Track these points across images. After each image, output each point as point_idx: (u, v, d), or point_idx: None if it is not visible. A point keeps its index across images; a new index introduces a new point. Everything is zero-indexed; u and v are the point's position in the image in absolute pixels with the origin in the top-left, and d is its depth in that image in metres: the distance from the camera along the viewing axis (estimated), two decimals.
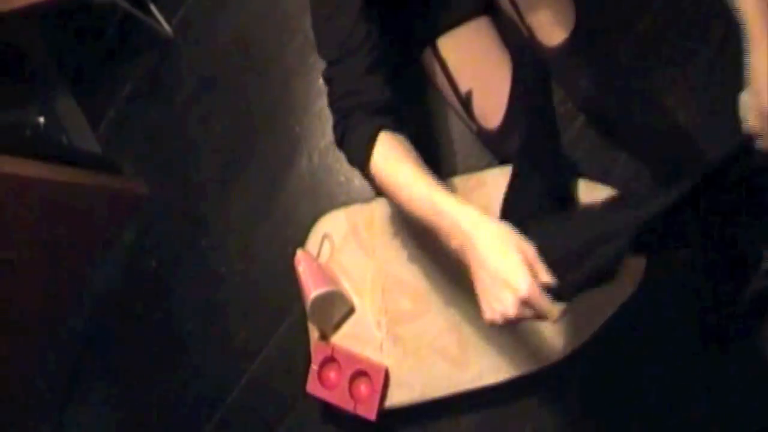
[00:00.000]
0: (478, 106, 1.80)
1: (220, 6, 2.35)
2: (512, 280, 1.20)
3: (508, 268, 1.21)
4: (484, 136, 1.84)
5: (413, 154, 1.44)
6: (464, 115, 1.86)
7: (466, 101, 1.82)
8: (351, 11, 1.48)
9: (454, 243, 1.30)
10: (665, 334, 1.81)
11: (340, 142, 1.54)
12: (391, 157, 1.42)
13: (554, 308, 1.22)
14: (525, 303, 1.20)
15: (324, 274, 1.92)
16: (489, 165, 1.96)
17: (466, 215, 1.28)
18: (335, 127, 1.54)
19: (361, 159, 1.45)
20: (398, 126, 1.48)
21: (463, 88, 1.82)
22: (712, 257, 1.75)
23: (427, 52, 1.89)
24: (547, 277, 1.22)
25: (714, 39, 1.83)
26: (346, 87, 1.50)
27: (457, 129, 2.01)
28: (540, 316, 1.22)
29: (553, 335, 1.73)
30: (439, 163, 2.00)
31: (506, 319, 1.22)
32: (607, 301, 1.69)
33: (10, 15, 1.99)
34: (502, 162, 1.88)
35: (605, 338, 1.69)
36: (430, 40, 1.87)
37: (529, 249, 1.24)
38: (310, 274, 1.90)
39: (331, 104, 1.54)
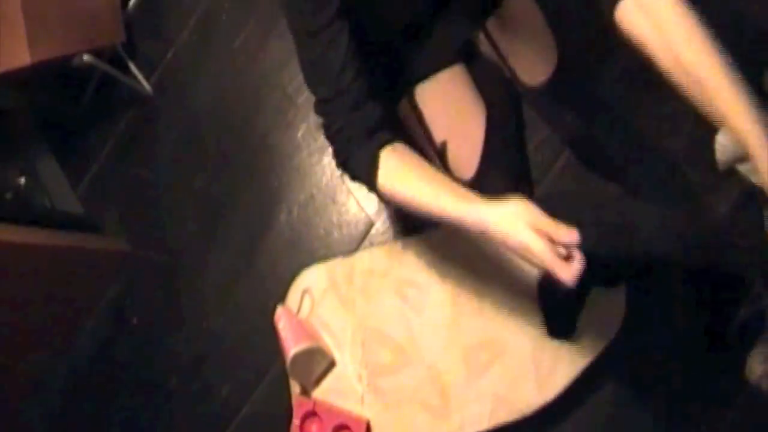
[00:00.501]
0: (453, 157, 1.81)
1: (199, 63, 2.38)
2: (534, 250, 1.24)
3: (525, 243, 1.26)
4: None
5: (414, 161, 1.45)
6: (440, 165, 1.88)
7: (441, 152, 1.83)
8: (339, 52, 1.48)
9: (475, 234, 1.35)
10: (653, 374, 1.82)
11: (344, 167, 1.53)
12: (394, 176, 1.44)
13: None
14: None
15: (304, 329, 1.93)
16: None
17: (475, 212, 1.33)
18: (336, 155, 1.54)
19: (369, 184, 1.47)
20: (393, 135, 1.48)
21: (438, 138, 1.82)
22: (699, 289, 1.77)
23: (404, 102, 1.91)
24: (565, 233, 1.25)
25: None
26: (341, 122, 1.50)
27: None
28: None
29: (533, 384, 1.73)
30: None
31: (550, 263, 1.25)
32: (589, 345, 1.70)
33: None
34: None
35: (589, 382, 1.71)
36: (407, 89, 1.88)
37: (539, 218, 1.27)
38: (290, 331, 1.90)
39: (328, 137, 1.54)
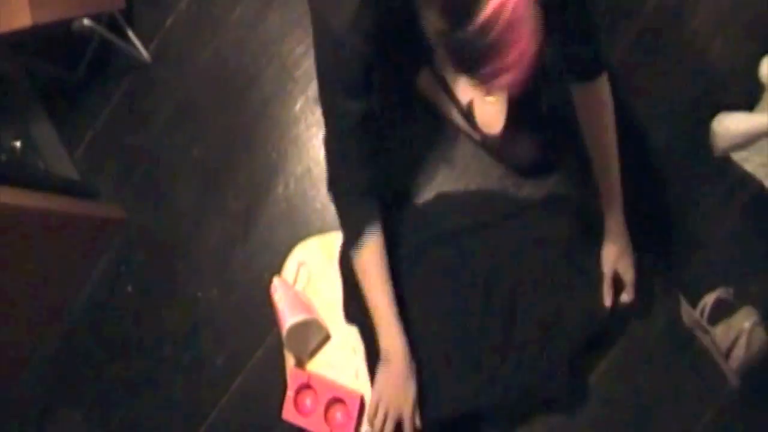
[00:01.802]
0: (480, 115, 1.87)
1: (198, 32, 2.37)
2: (372, 413, 1.70)
3: (384, 411, 1.70)
4: (488, 144, 1.92)
5: (386, 260, 1.73)
6: (467, 126, 1.93)
7: (468, 112, 1.87)
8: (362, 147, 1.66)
9: (383, 347, 1.73)
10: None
11: (338, 208, 1.78)
12: (372, 261, 1.72)
13: None
14: None
15: (300, 301, 1.94)
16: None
17: (397, 351, 1.71)
18: (333, 192, 1.77)
19: (352, 242, 1.73)
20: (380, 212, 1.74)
21: (464, 99, 1.91)
22: None
23: (423, 74, 1.94)
24: None
25: None
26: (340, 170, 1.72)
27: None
28: None
29: None
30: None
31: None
32: None
33: None
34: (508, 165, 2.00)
35: None
36: (429, 58, 1.91)
37: (406, 410, 1.70)
38: (286, 302, 1.92)
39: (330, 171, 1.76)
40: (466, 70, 1.19)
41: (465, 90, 1.90)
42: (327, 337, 1.95)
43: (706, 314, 1.76)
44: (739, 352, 1.71)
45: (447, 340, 1.84)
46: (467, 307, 1.86)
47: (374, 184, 1.71)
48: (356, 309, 1.89)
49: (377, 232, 1.71)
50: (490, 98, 1.86)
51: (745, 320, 1.72)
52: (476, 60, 1.14)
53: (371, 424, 1.71)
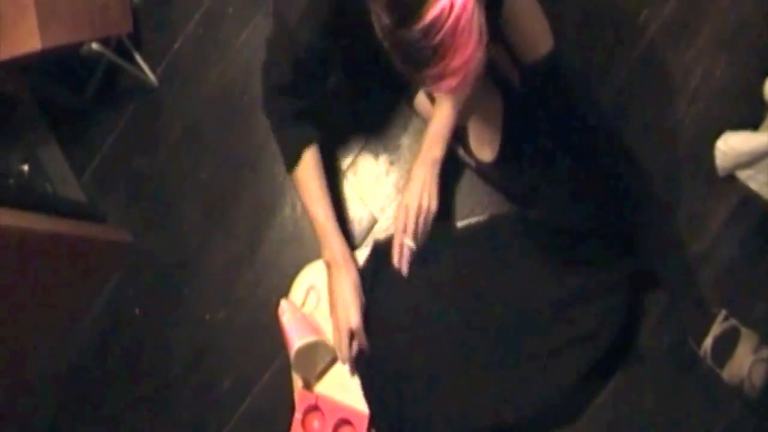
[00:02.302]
0: (474, 141, 1.86)
1: (205, 56, 2.38)
2: (335, 317, 1.86)
3: (334, 304, 1.86)
4: (482, 170, 1.91)
5: (323, 172, 1.88)
6: (461, 151, 1.91)
7: (461, 137, 1.87)
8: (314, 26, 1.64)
9: (325, 259, 1.90)
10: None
11: (272, 131, 1.92)
12: (309, 175, 1.87)
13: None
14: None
15: (307, 323, 1.94)
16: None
17: (338, 252, 1.87)
18: (267, 112, 1.89)
19: (289, 162, 1.89)
20: (315, 130, 1.88)
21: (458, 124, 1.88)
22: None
23: (421, 93, 1.94)
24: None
25: None
26: (280, 84, 1.80)
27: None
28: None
29: None
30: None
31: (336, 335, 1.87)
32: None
33: None
34: (502, 192, 2.00)
35: None
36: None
37: (352, 323, 1.83)
38: (294, 324, 1.92)
39: (265, 95, 1.87)
40: (410, 70, 1.21)
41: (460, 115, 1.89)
42: (334, 359, 1.95)
43: (709, 357, 1.75)
44: (750, 387, 1.70)
45: (446, 364, 1.85)
46: (466, 329, 1.86)
47: (310, 110, 1.84)
48: None
49: (313, 146, 1.86)
50: (485, 124, 1.85)
51: (747, 352, 1.70)
52: (419, 61, 1.17)
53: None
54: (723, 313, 1.75)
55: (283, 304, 1.98)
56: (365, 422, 1.86)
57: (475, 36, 1.14)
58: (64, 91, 2.41)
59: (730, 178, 1.83)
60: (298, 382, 1.98)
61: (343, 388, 1.93)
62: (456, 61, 1.15)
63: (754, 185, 1.79)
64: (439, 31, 1.11)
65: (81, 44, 2.14)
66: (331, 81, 1.96)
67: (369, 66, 1.86)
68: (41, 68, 2.31)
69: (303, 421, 1.92)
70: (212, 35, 2.39)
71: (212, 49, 2.38)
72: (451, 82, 1.19)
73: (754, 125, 1.81)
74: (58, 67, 2.34)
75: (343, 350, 1.85)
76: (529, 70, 1.66)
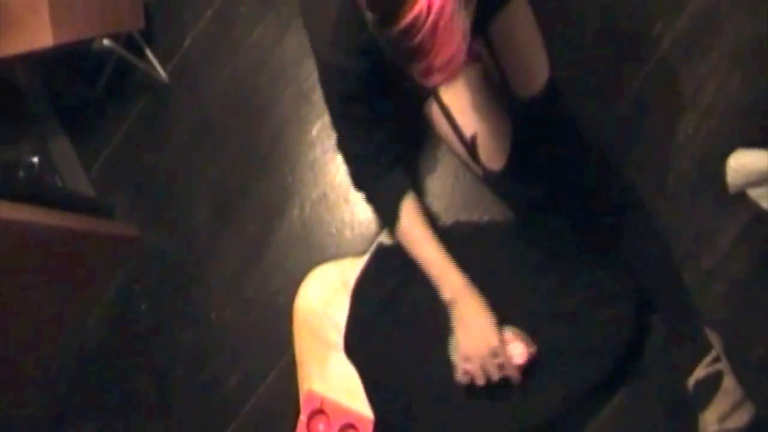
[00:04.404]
0: (483, 148, 1.86)
1: (216, 53, 2.38)
2: (467, 363, 1.74)
3: (466, 346, 1.73)
4: (490, 179, 1.90)
5: (425, 217, 1.82)
6: (469, 160, 1.92)
7: (471, 145, 1.87)
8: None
9: (447, 297, 1.77)
10: None
11: (366, 200, 1.87)
12: (411, 224, 1.80)
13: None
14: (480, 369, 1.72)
15: None
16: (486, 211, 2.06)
17: (460, 283, 1.76)
18: (357, 186, 1.86)
19: (390, 220, 1.82)
20: (406, 178, 1.84)
21: (468, 132, 1.88)
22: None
23: (430, 102, 1.95)
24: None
25: None
26: (357, 148, 1.79)
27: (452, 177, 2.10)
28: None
29: None
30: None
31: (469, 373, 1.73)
32: None
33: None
34: (507, 202, 2.00)
35: None
36: (432, 90, 1.93)
37: (494, 342, 1.71)
38: None
39: (351, 171, 1.85)
40: (400, 65, 1.25)
41: (469, 122, 1.88)
42: None
43: (691, 396, 1.74)
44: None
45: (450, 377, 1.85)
46: None
47: (388, 147, 1.78)
48: (358, 341, 1.94)
49: (409, 196, 1.80)
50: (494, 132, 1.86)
51: (714, 419, 1.69)
52: (405, 57, 1.21)
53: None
54: (713, 354, 1.73)
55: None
56: (370, 428, 1.88)
57: (456, 37, 1.18)
58: (75, 85, 2.42)
59: (741, 196, 1.84)
60: (304, 385, 1.98)
61: (348, 393, 1.94)
62: (438, 60, 1.19)
63: (765, 204, 1.80)
64: (417, 33, 1.14)
65: (92, 40, 2.14)
66: None
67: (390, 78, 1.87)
68: (53, 62, 2.31)
69: (308, 424, 1.94)
70: (224, 33, 2.39)
71: (223, 48, 2.38)
72: (437, 78, 1.24)
73: (766, 143, 1.81)
74: (69, 61, 2.35)
75: (494, 374, 1.74)
76: (524, 107, 1.68)
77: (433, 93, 1.92)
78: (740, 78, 1.92)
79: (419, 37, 1.15)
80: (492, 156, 1.84)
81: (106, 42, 2.17)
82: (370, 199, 1.85)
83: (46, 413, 2.33)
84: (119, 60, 2.36)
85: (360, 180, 1.84)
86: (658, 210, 1.89)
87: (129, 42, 2.35)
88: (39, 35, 1.99)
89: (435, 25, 1.14)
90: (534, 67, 1.66)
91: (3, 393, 2.28)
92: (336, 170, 2.21)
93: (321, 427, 1.94)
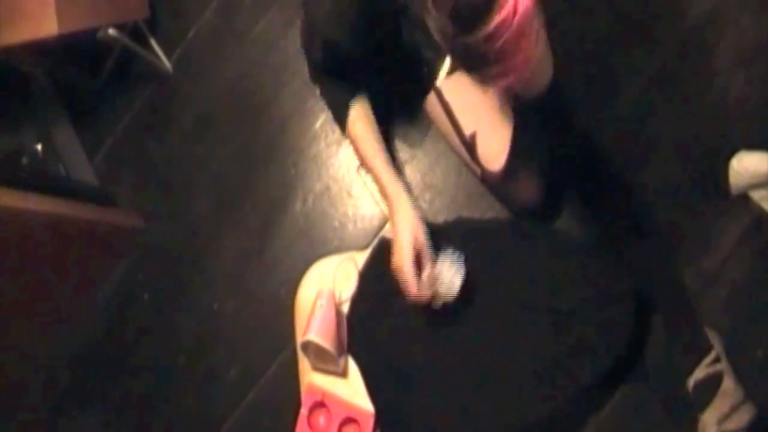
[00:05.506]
0: (482, 148, 1.86)
1: (220, 45, 2.38)
2: (397, 254, 1.70)
3: (398, 243, 1.70)
4: (488, 179, 1.90)
5: (374, 124, 1.84)
6: (468, 159, 1.92)
7: (470, 144, 1.87)
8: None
9: (389, 205, 1.77)
10: None
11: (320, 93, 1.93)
12: (361, 127, 1.82)
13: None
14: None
15: (333, 325, 1.92)
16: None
17: (399, 197, 1.75)
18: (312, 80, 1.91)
19: (339, 116, 1.84)
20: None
21: (467, 130, 1.88)
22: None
23: (431, 98, 1.95)
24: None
25: None
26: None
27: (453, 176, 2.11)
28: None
29: None
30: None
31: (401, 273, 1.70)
32: None
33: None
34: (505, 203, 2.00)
35: None
36: (433, 85, 1.93)
37: (421, 240, 1.70)
38: (321, 318, 1.90)
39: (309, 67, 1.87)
40: (469, 70, 1.24)
41: (469, 120, 1.88)
42: (340, 374, 1.96)
43: (690, 397, 1.75)
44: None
45: (449, 373, 1.86)
46: (468, 339, 1.87)
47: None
48: (359, 334, 1.95)
49: (362, 98, 1.83)
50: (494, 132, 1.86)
51: (713, 421, 1.70)
52: (480, 63, 1.19)
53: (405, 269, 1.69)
54: (713, 354, 1.74)
55: (327, 293, 1.96)
56: (371, 421, 1.89)
57: (533, 36, 1.16)
58: (80, 73, 2.42)
59: (743, 197, 1.85)
60: (305, 378, 1.99)
61: (349, 386, 1.95)
62: (515, 62, 1.17)
63: (767, 206, 1.81)
64: (501, 36, 1.12)
65: (97, 29, 2.14)
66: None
67: (389, 66, 1.88)
68: (58, 50, 2.31)
69: (309, 418, 1.95)
70: (228, 25, 2.39)
71: (228, 39, 2.39)
72: (509, 80, 1.21)
73: None
74: (74, 49, 2.33)
75: (410, 280, 1.69)
76: (526, 107, 1.68)
77: (435, 89, 1.92)
78: (744, 79, 1.93)
79: (502, 40, 1.12)
80: (491, 156, 1.84)
81: (111, 31, 2.18)
82: (324, 94, 1.90)
83: (47, 400, 2.34)
84: (124, 49, 2.35)
85: (318, 73, 1.88)
86: (660, 210, 1.90)
87: (134, 32, 2.35)
88: (44, 24, 1.99)
89: (520, 25, 1.12)
90: (538, 68, 1.66)
91: (4, 382, 2.28)
92: (339, 164, 2.21)
93: (322, 420, 1.95)
